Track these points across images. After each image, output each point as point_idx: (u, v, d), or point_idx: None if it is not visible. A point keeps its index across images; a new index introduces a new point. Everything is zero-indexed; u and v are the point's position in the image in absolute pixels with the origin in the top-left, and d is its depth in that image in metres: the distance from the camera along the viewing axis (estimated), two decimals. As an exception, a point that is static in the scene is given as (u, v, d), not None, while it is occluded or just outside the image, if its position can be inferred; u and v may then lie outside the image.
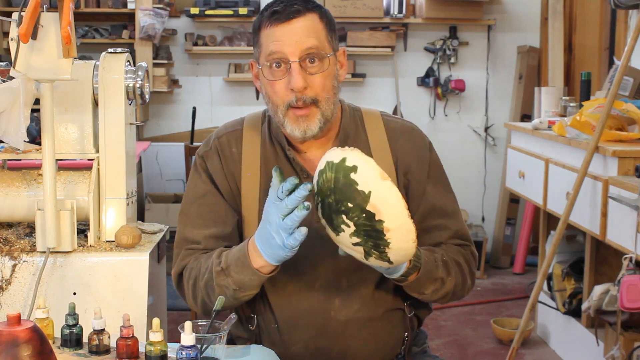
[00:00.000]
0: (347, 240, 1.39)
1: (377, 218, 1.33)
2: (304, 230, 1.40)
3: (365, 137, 1.67)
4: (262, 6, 5.59)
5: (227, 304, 1.54)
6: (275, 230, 1.42)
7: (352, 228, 1.37)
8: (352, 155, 1.35)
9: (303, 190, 1.36)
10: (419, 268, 1.52)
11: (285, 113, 1.55)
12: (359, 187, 1.33)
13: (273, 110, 1.58)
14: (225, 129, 1.71)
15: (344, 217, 1.36)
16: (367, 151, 1.64)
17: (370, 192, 1.33)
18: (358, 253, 1.41)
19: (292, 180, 1.38)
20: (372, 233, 1.35)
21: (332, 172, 1.36)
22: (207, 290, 1.56)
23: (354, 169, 1.34)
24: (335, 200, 1.37)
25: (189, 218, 1.66)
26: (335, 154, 1.37)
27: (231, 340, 1.69)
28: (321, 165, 1.39)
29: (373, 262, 1.42)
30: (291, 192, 1.38)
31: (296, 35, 1.52)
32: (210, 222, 1.64)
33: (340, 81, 1.62)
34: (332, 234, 1.43)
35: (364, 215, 1.34)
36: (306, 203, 1.37)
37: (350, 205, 1.34)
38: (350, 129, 1.66)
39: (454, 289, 1.61)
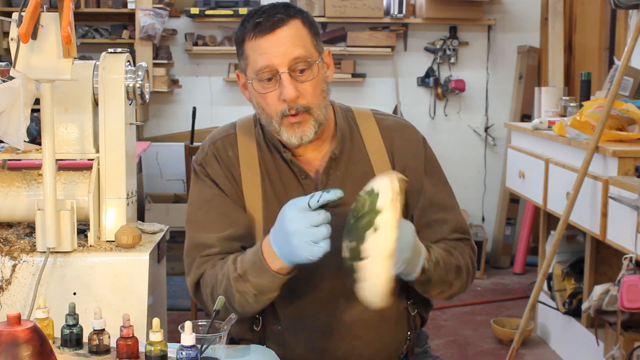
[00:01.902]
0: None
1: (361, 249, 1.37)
2: (327, 242, 1.40)
3: (360, 136, 1.67)
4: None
5: (250, 311, 1.54)
6: (296, 236, 1.41)
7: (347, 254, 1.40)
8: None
9: (334, 195, 1.37)
10: (432, 276, 1.54)
11: (280, 122, 1.55)
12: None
13: (267, 121, 1.58)
14: (219, 134, 1.70)
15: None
16: (363, 151, 1.66)
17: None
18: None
19: (338, 194, 1.38)
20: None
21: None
22: (227, 297, 1.51)
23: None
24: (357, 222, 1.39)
25: (198, 224, 1.63)
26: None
27: (234, 342, 1.69)
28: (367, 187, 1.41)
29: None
30: (323, 206, 1.38)
31: (283, 45, 1.52)
32: (221, 224, 1.61)
33: (329, 82, 1.62)
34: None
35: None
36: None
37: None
38: (345, 129, 1.67)
39: (458, 291, 1.64)
